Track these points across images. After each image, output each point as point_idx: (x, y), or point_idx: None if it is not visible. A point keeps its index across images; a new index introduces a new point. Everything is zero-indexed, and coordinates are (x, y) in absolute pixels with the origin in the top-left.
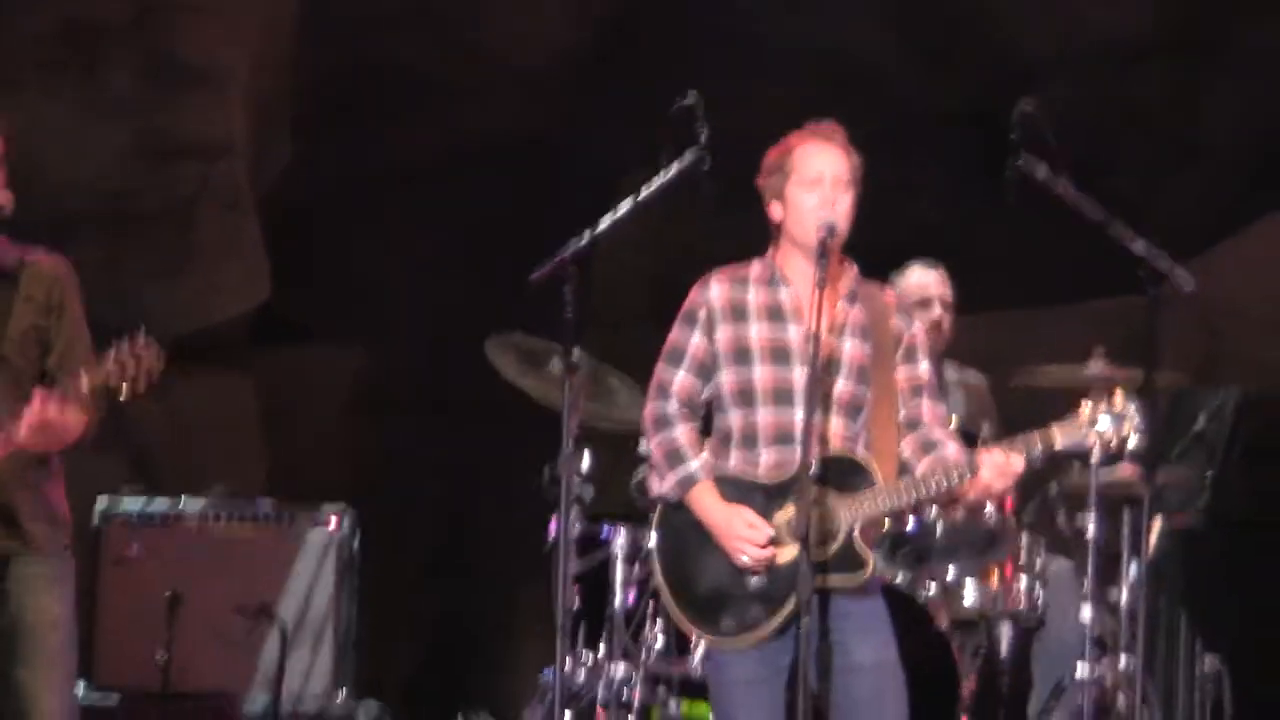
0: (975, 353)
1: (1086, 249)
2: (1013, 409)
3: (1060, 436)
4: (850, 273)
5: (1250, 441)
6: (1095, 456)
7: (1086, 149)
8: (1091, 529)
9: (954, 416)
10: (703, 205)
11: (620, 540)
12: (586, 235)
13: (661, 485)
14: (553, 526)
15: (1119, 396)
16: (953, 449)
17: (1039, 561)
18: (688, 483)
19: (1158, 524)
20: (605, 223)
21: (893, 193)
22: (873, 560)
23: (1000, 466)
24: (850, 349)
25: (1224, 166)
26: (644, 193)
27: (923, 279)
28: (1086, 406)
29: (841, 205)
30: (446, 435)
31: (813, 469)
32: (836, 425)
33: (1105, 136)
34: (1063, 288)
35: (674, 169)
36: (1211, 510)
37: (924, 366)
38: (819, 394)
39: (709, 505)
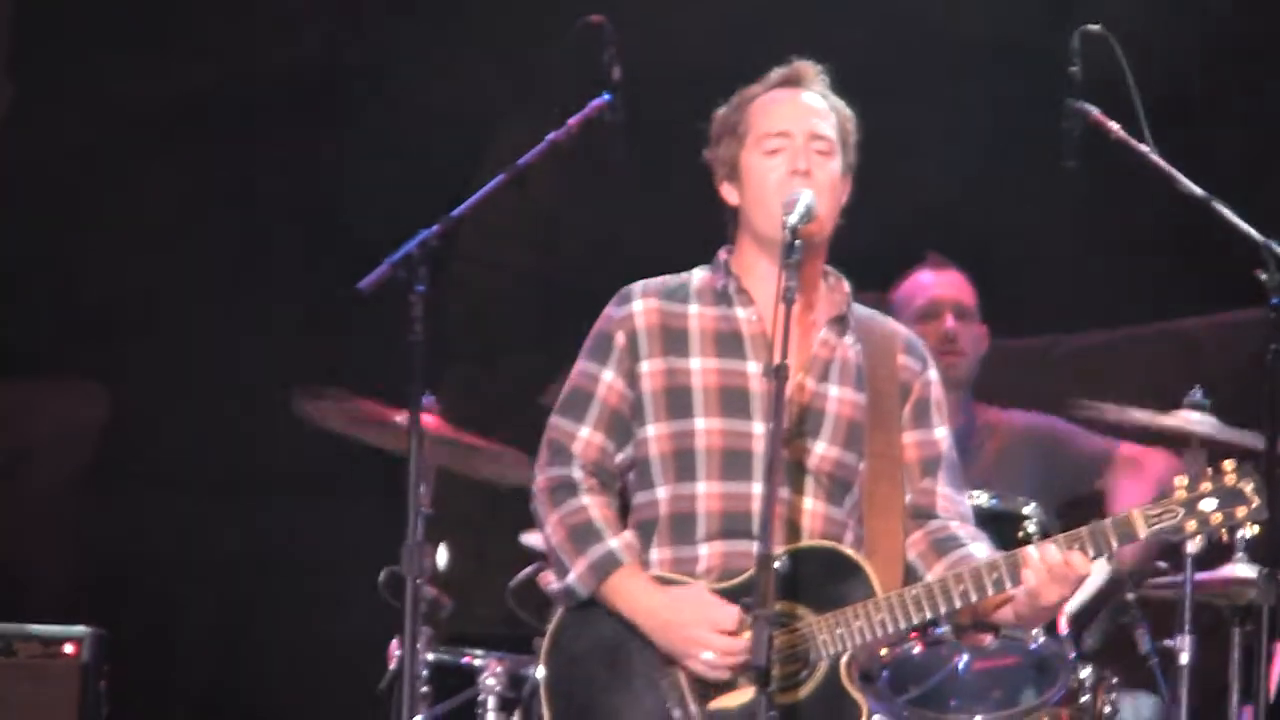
0: (1011, 395)
1: (1174, 240)
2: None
3: (1144, 524)
4: (839, 289)
5: None
6: (1192, 549)
7: (1175, 96)
8: (1186, 656)
9: (981, 494)
10: (615, 177)
11: (492, 674)
12: (440, 222)
13: (566, 575)
14: (393, 652)
15: (1230, 469)
16: (982, 549)
17: (1109, 705)
18: (605, 566)
19: None
20: (469, 203)
21: (888, 158)
22: (865, 707)
23: (1056, 570)
24: (836, 399)
25: None
26: (526, 158)
27: (923, 277)
28: (1183, 482)
29: (821, 176)
30: (235, 517)
31: (778, 565)
32: (813, 506)
33: (1204, 78)
34: (1139, 300)
35: (573, 123)
36: None
37: (941, 433)
38: (781, 458)
39: (640, 594)
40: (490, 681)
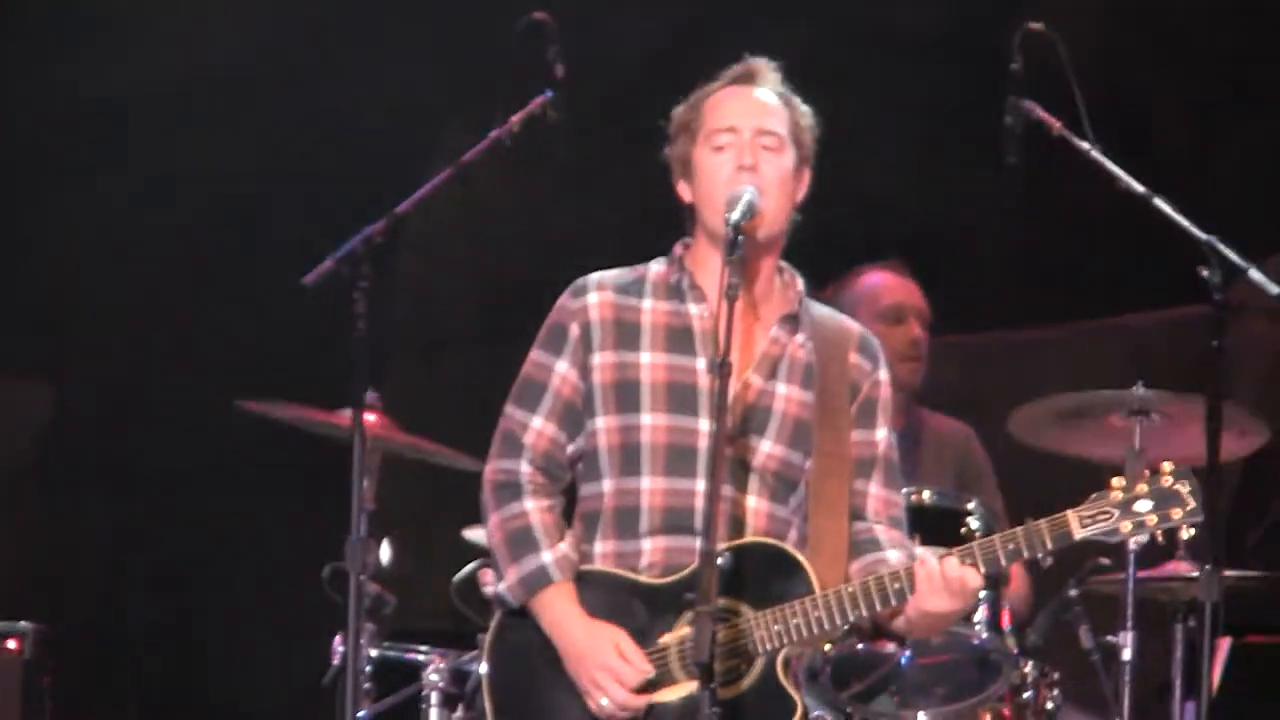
0: (953, 392)
1: (1117, 237)
2: (1011, 475)
3: (1079, 525)
4: (792, 286)
5: None
6: (1133, 546)
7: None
8: (1128, 652)
9: (925, 491)
10: (559, 173)
11: (435, 670)
12: (386, 217)
13: (500, 582)
14: (336, 648)
15: (1167, 470)
16: (895, 557)
17: (1051, 700)
18: (536, 581)
19: (1225, 644)
20: (413, 199)
21: (831, 153)
22: (801, 704)
23: (949, 582)
24: (783, 397)
25: None
26: (470, 154)
27: (891, 279)
28: (1120, 483)
29: (769, 171)
30: (179, 513)
31: (721, 561)
32: (758, 505)
33: (1144, 74)
34: (1083, 296)
35: (515, 120)
36: None
37: (881, 434)
38: (725, 455)
39: (563, 618)
40: (433, 677)
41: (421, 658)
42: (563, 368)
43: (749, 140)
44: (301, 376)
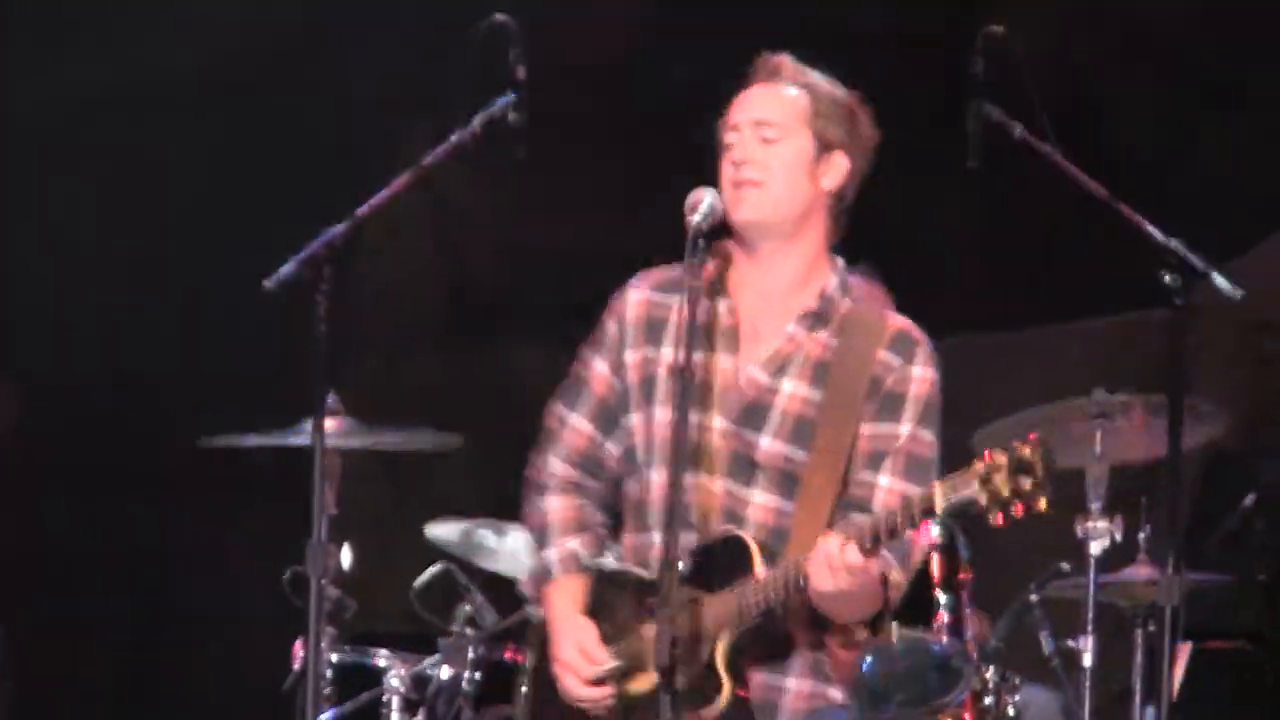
0: None
1: (1080, 241)
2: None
3: (941, 496)
4: (821, 278)
5: None
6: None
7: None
8: (1089, 657)
9: None
10: (521, 175)
11: (396, 675)
12: (348, 220)
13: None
14: (296, 653)
15: (1027, 443)
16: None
17: (1012, 706)
18: (539, 577)
19: (1186, 649)
20: (375, 201)
21: None
22: (729, 687)
23: (829, 560)
24: (787, 394)
25: (1276, 120)
26: (431, 157)
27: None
28: (986, 454)
29: (770, 161)
30: (140, 517)
31: (682, 566)
32: (763, 500)
33: (1108, 76)
34: (1046, 300)
35: (476, 122)
36: (1264, 628)
37: (905, 429)
38: (685, 451)
39: (554, 612)
40: (394, 682)
41: (382, 662)
42: (600, 366)
43: (749, 135)
44: (263, 379)
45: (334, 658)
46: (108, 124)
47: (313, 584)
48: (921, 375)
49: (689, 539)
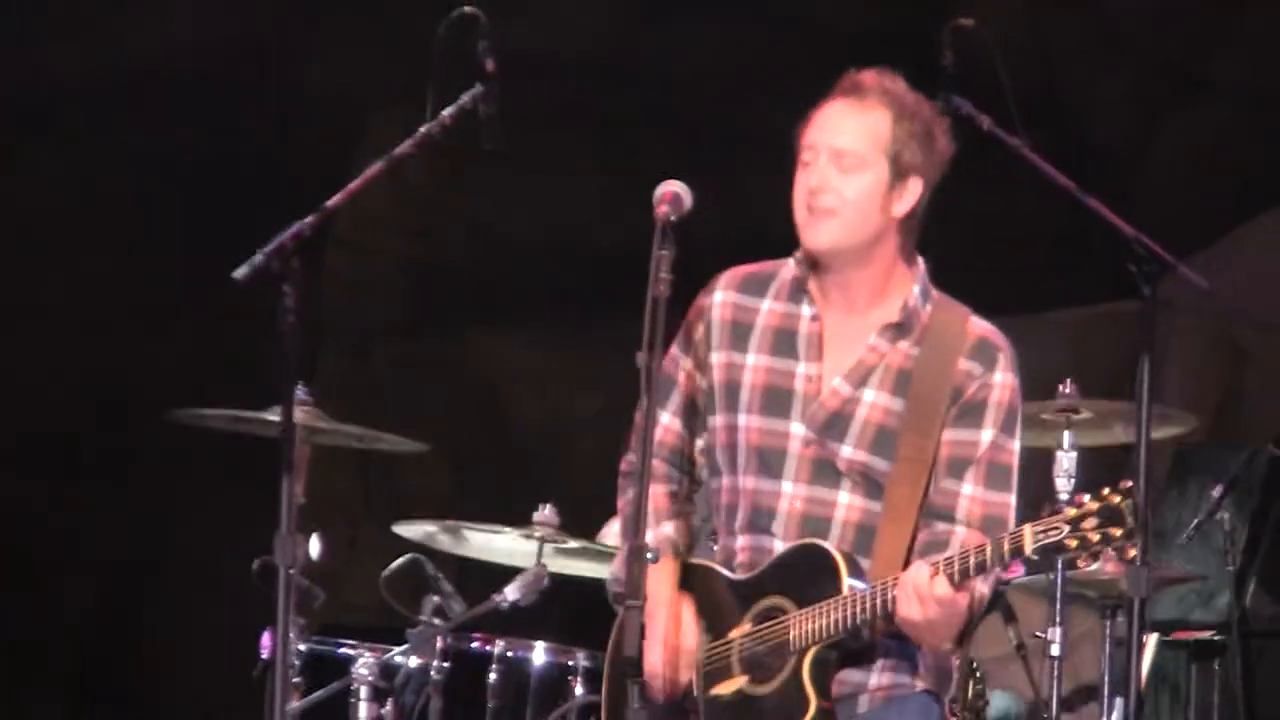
0: None
1: (1049, 232)
2: None
3: (1031, 541)
4: (902, 290)
5: None
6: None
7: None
8: (1056, 648)
9: None
10: (490, 166)
11: (364, 664)
12: (317, 211)
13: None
14: (265, 642)
15: (1113, 490)
16: (916, 564)
17: (980, 695)
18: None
19: (1153, 640)
20: (344, 193)
21: (766, 153)
22: (816, 703)
23: (918, 590)
24: (869, 404)
25: (1242, 112)
26: (400, 148)
27: None
28: (1083, 500)
29: (846, 191)
30: (109, 507)
31: (650, 556)
32: (850, 500)
33: (1077, 69)
34: (1015, 289)
35: (446, 114)
36: (1232, 617)
37: (987, 436)
38: (652, 440)
39: (653, 589)
40: (362, 671)
41: (351, 652)
42: (687, 364)
43: (825, 161)
44: (232, 370)
45: (302, 647)
46: (78, 113)
47: (281, 574)
48: (1003, 381)
49: (769, 542)
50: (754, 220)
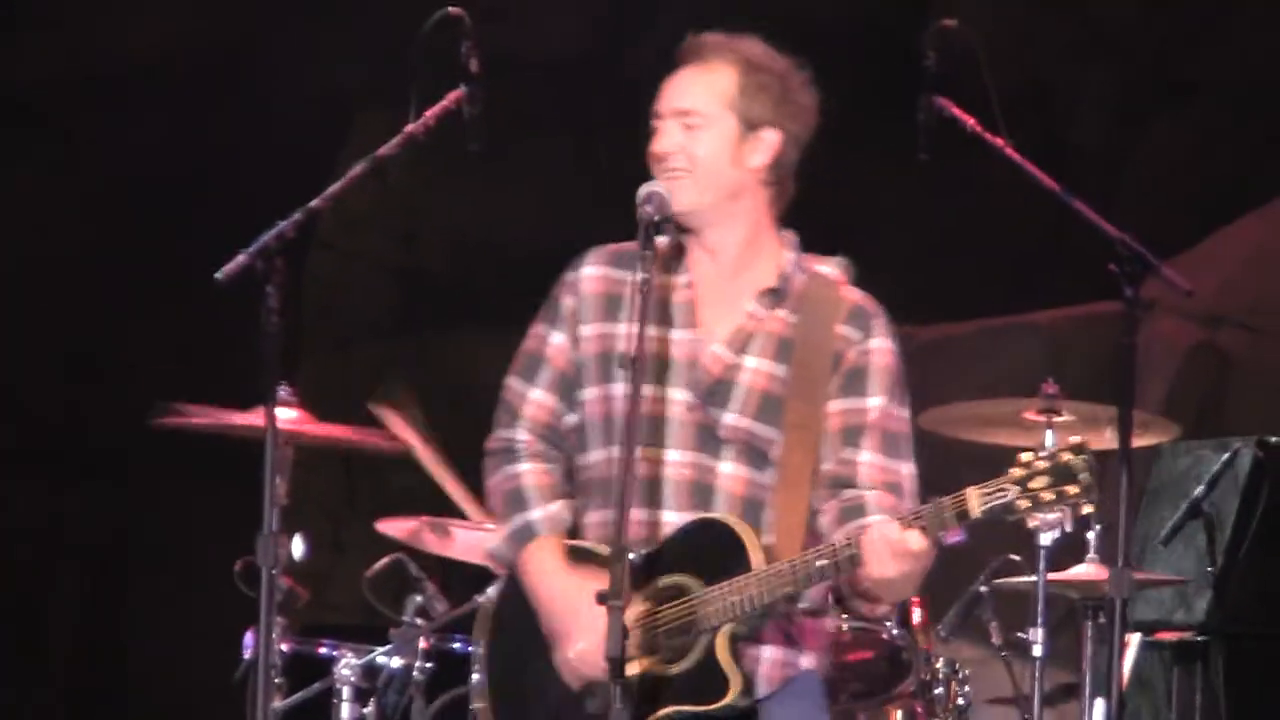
0: None
1: (1029, 233)
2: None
3: (978, 502)
4: (775, 255)
5: (1272, 520)
6: (1046, 541)
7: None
8: (1038, 648)
9: None
10: (474, 168)
11: (347, 665)
12: (300, 211)
13: (494, 541)
14: (248, 642)
15: (1065, 447)
16: (877, 520)
17: (962, 696)
18: (521, 536)
19: (1134, 640)
20: (328, 193)
21: None
22: (739, 682)
23: (890, 546)
24: (751, 370)
25: (1226, 115)
26: (384, 149)
27: None
28: (1021, 461)
29: (694, 149)
30: (92, 506)
31: (632, 557)
32: (734, 470)
33: (1060, 69)
34: (996, 293)
35: (429, 115)
36: (1213, 618)
37: (874, 402)
38: (638, 432)
39: (541, 571)
40: (345, 672)
41: (334, 652)
42: (557, 339)
43: (669, 127)
44: (215, 370)
45: (285, 648)
46: (60, 110)
47: (264, 574)
48: (881, 347)
49: (657, 515)
50: None
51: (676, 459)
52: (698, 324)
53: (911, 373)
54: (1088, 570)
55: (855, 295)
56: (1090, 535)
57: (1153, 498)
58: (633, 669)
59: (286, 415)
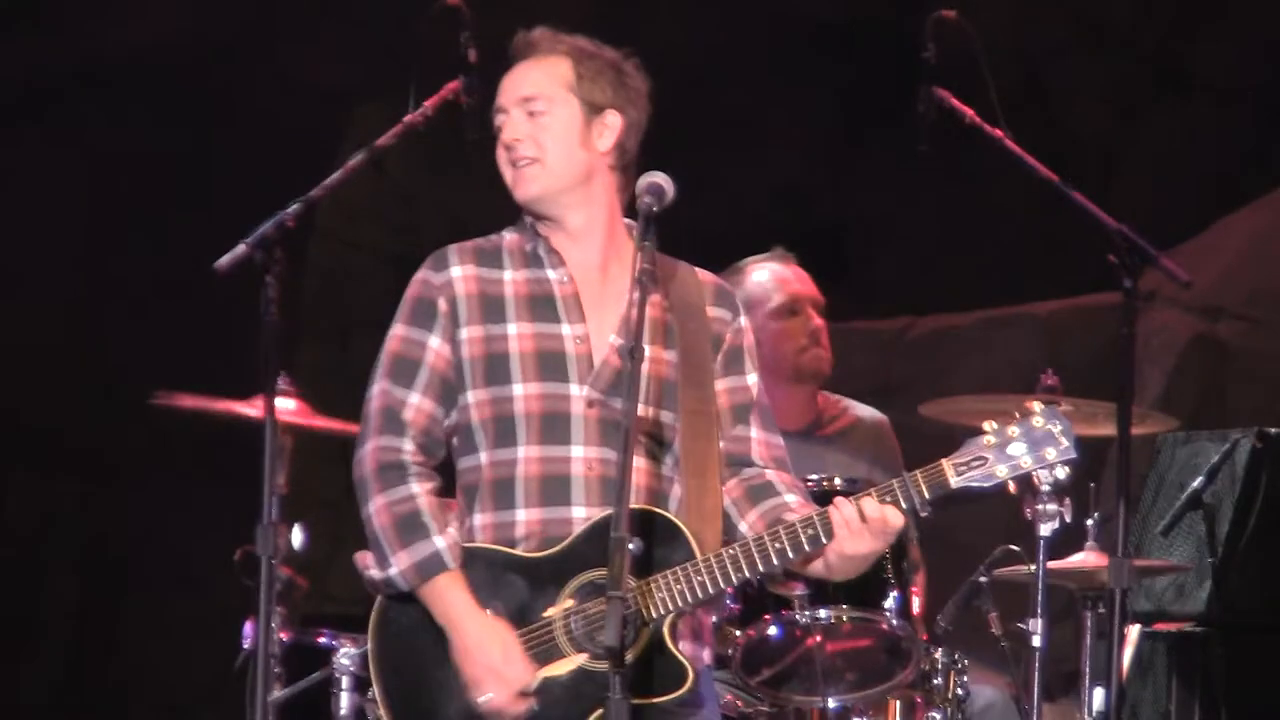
0: (862, 379)
1: (1031, 226)
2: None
3: (953, 473)
4: (629, 242)
5: (1271, 511)
6: (1045, 532)
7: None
8: (1038, 639)
9: (837, 479)
10: (472, 158)
11: (346, 655)
12: (297, 202)
13: (387, 567)
14: (247, 633)
15: (1036, 410)
16: (794, 500)
17: (960, 687)
18: (429, 568)
19: (1134, 631)
20: (327, 183)
21: (742, 139)
22: (693, 670)
23: (872, 522)
24: (648, 358)
25: (1226, 106)
26: (383, 139)
27: (780, 273)
28: (992, 427)
29: (541, 136)
30: (91, 497)
31: (632, 547)
32: (637, 463)
33: (1059, 61)
34: (995, 284)
35: (428, 105)
36: (1213, 609)
37: (752, 379)
38: (635, 439)
39: (453, 609)
40: (344, 661)
41: (333, 642)
42: (435, 343)
43: (514, 116)
44: (214, 360)
45: (284, 638)
46: (59, 103)
47: (263, 564)
48: (746, 324)
49: (566, 512)
50: (727, 212)
51: (582, 455)
52: (585, 318)
53: (912, 362)
54: (1086, 559)
55: (711, 276)
56: (1089, 524)
57: (1152, 488)
58: (565, 666)
59: (285, 405)
